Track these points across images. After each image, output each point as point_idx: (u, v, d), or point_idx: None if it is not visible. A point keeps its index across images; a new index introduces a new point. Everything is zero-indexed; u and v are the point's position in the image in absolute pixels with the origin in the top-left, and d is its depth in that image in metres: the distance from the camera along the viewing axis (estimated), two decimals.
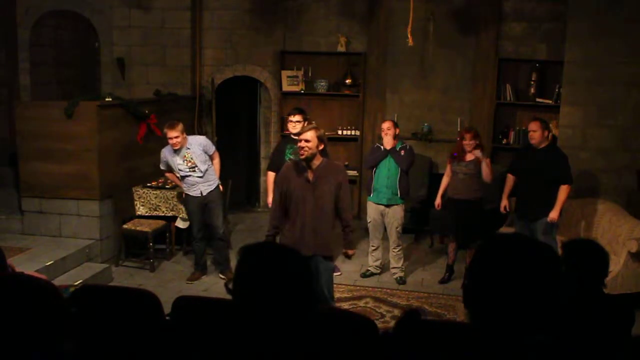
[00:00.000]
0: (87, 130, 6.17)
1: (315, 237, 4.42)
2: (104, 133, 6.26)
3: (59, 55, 8.65)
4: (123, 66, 8.45)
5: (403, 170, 5.99)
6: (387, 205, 6.05)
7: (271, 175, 6.01)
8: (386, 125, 6.06)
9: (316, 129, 4.38)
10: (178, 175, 6.06)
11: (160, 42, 8.39)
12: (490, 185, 6.08)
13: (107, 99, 6.60)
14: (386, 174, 5.99)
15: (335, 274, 6.43)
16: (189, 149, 5.91)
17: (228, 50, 8.62)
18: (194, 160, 5.92)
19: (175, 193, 6.62)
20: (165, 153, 5.99)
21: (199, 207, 6.06)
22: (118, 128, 6.55)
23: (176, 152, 5.90)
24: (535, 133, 5.43)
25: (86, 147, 6.19)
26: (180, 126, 5.79)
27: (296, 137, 5.93)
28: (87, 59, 8.85)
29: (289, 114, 6.15)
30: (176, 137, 5.75)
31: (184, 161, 5.93)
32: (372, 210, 6.15)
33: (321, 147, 4.38)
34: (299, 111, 6.11)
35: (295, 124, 5.99)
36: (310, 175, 4.39)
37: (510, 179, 5.90)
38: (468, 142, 5.84)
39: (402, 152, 5.99)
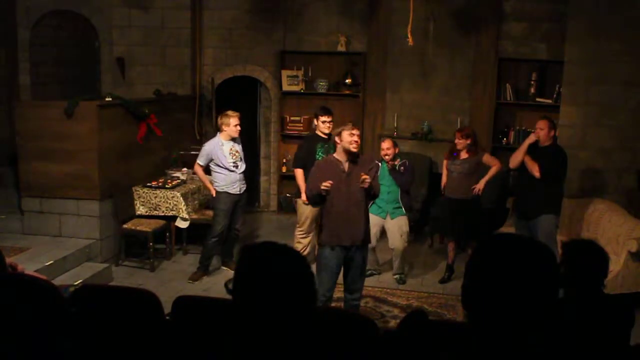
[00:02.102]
0: (87, 130, 6.17)
1: (352, 227, 4.56)
2: (104, 133, 6.26)
3: (59, 55, 8.64)
4: (123, 66, 8.45)
5: (402, 187, 5.99)
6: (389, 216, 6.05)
7: (300, 172, 6.13)
8: (386, 145, 6.04)
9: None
10: (220, 169, 6.09)
11: (160, 42, 8.39)
12: (490, 185, 6.08)
13: (107, 99, 6.60)
14: (386, 190, 5.91)
15: None
16: (236, 142, 6.13)
17: (228, 50, 8.62)
18: (238, 154, 6.14)
19: (176, 193, 6.62)
20: (212, 145, 6.13)
21: (232, 205, 6.17)
22: (118, 128, 6.55)
23: (223, 145, 6.07)
24: (542, 131, 5.41)
25: (86, 147, 6.19)
26: (239, 114, 6.11)
27: (326, 137, 6.10)
28: (87, 59, 8.84)
29: (320, 114, 6.17)
30: (239, 123, 6.05)
31: (230, 154, 6.08)
32: (371, 217, 6.11)
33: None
34: (330, 111, 6.23)
35: (328, 124, 6.10)
36: (346, 167, 4.55)
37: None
38: (458, 141, 5.91)
39: (402, 169, 5.98)
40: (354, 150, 4.52)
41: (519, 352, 1.42)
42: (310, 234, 6.33)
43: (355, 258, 4.66)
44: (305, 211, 6.17)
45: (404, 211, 6.03)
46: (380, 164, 6.02)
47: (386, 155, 5.98)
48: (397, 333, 2.84)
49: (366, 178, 4.46)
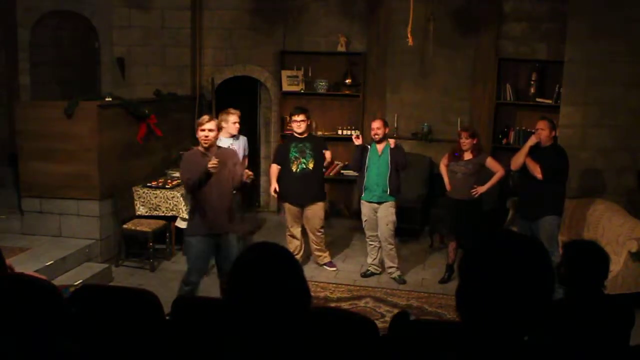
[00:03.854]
0: (87, 130, 6.17)
1: (220, 216, 4.79)
2: (104, 133, 6.26)
3: (59, 55, 8.65)
4: (123, 66, 8.45)
5: (399, 169, 6.02)
6: (379, 203, 6.07)
7: (275, 167, 6.38)
8: (376, 124, 6.06)
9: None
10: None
11: (160, 42, 8.38)
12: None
13: (107, 99, 6.60)
14: (376, 172, 6.02)
15: (331, 269, 6.49)
16: (235, 140, 6.15)
17: (228, 50, 8.61)
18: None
19: (176, 193, 6.62)
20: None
21: None
22: (118, 128, 6.54)
23: (220, 141, 6.05)
24: (543, 132, 5.41)
25: (86, 147, 6.19)
26: (238, 112, 6.16)
27: (300, 136, 6.20)
28: (87, 59, 8.85)
29: (292, 114, 6.35)
30: (238, 121, 6.09)
31: None
32: (366, 208, 6.16)
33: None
34: (302, 110, 6.32)
35: (299, 123, 6.20)
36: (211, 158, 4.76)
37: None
38: (464, 141, 5.88)
39: (395, 150, 6.03)
40: (205, 145, 4.74)
41: (518, 352, 1.42)
42: (297, 233, 6.44)
43: (223, 244, 4.86)
44: (284, 206, 6.52)
45: (392, 196, 6.05)
46: (369, 146, 6.08)
47: (376, 135, 6.02)
48: (387, 336, 2.85)
49: (249, 175, 4.91)
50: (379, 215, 6.10)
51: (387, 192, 6.01)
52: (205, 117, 4.84)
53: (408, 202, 7.05)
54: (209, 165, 4.57)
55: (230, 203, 4.93)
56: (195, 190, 4.78)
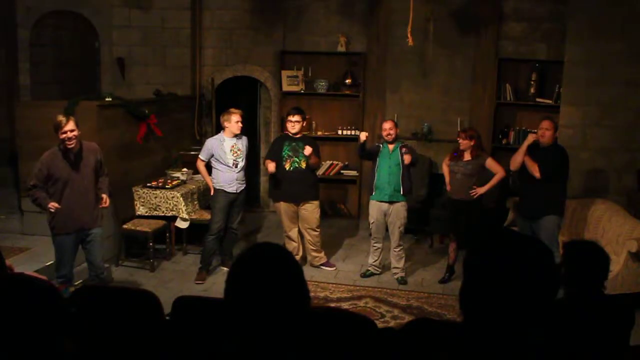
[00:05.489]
0: (87, 130, 6.15)
1: (85, 212, 4.89)
2: (104, 133, 6.26)
3: (59, 55, 8.64)
4: (123, 66, 8.45)
5: (410, 166, 6.05)
6: (390, 202, 6.06)
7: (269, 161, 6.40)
8: (388, 125, 6.08)
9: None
10: (219, 166, 6.13)
11: (160, 42, 8.38)
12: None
13: (107, 99, 6.60)
14: (387, 171, 6.01)
15: (330, 269, 6.49)
16: (239, 140, 6.17)
17: (228, 50, 8.61)
18: (240, 152, 6.17)
19: (176, 193, 6.62)
20: (213, 142, 6.22)
21: (228, 204, 6.20)
22: (118, 128, 6.54)
23: (224, 142, 6.12)
24: (547, 132, 5.41)
25: None
26: (240, 112, 6.18)
27: (294, 136, 6.23)
28: (87, 59, 8.84)
29: (289, 114, 6.39)
30: (240, 120, 6.11)
31: (231, 151, 6.13)
32: (375, 210, 6.14)
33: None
34: (298, 111, 6.38)
35: (294, 123, 6.27)
36: (72, 157, 4.81)
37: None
38: (462, 142, 5.90)
39: (404, 150, 6.03)
40: (69, 146, 4.71)
41: (518, 352, 1.42)
42: (294, 235, 6.45)
43: (90, 239, 4.99)
44: (278, 208, 6.48)
45: (404, 196, 6.05)
46: (381, 145, 6.09)
47: (389, 135, 6.04)
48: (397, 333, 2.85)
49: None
50: (392, 218, 6.08)
51: (399, 191, 6.02)
52: (63, 119, 4.72)
53: (408, 202, 7.04)
54: (49, 207, 4.64)
55: (94, 198, 4.99)
56: (34, 201, 4.83)
